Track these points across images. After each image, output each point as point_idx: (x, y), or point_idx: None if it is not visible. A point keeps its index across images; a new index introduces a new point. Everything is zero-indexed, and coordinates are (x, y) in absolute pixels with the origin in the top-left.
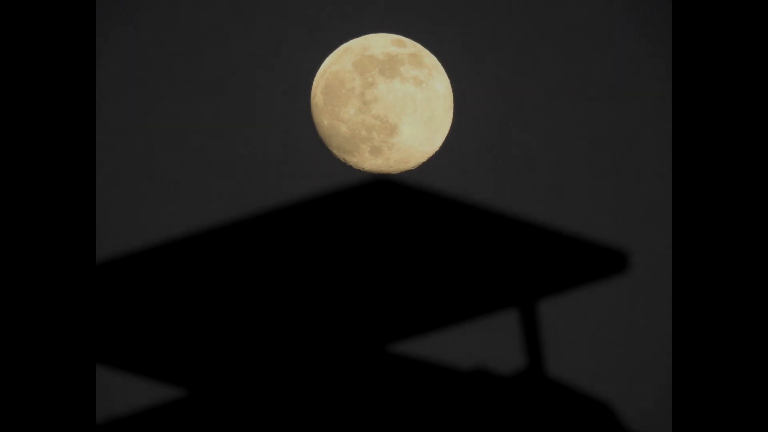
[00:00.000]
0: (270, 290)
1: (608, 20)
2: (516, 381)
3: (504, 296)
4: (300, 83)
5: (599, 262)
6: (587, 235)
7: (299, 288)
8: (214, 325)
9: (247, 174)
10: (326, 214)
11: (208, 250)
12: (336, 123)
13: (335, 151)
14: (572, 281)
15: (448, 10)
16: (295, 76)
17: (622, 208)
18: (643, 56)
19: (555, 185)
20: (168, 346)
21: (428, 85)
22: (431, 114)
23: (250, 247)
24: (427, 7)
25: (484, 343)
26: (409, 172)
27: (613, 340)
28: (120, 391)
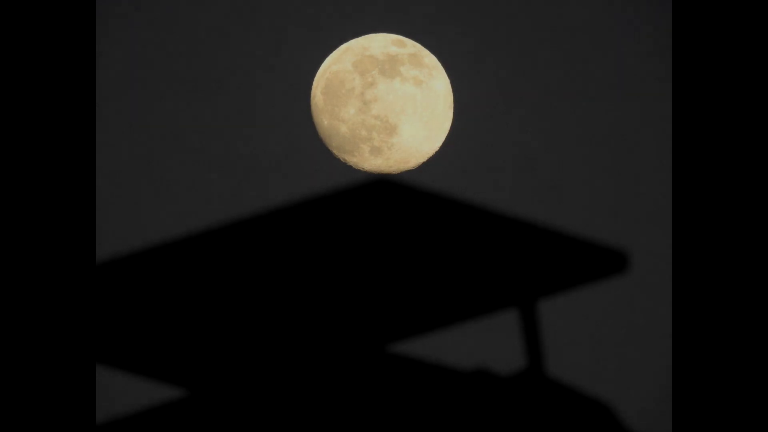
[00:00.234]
0: (270, 290)
1: (608, 20)
2: (516, 381)
3: (504, 296)
4: (300, 83)
5: (599, 262)
6: (587, 235)
7: (299, 288)
8: (214, 325)
9: (247, 174)
10: (326, 214)
11: (208, 250)
12: (336, 123)
13: (335, 151)
14: (572, 281)
15: (448, 10)
16: (295, 76)
17: (622, 208)
18: (643, 56)
19: (555, 185)
20: (168, 346)
21: (428, 85)
22: (431, 114)
23: (250, 247)
24: (427, 7)
25: (484, 343)
26: (409, 172)
27: (613, 340)
28: (120, 391)
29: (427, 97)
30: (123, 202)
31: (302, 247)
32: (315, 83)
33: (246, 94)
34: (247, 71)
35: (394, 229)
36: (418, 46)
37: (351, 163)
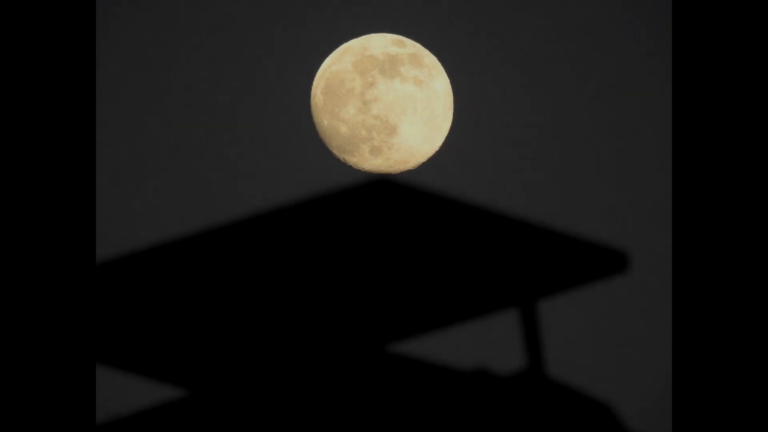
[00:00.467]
0: (270, 290)
1: (608, 20)
2: (516, 381)
3: (504, 296)
4: (300, 83)
5: (599, 262)
6: (587, 235)
7: (299, 288)
8: (214, 325)
9: (247, 174)
10: (326, 214)
11: (207, 250)
12: (336, 123)
13: (335, 151)
14: (572, 281)
15: (448, 10)
16: (295, 76)
17: (622, 208)
18: (643, 56)
19: (555, 185)
20: (168, 346)
21: (428, 85)
22: (431, 114)
23: (250, 247)
24: (427, 7)
25: (484, 343)
26: (409, 172)
27: (613, 340)
28: (120, 391)
29: (427, 97)
30: (123, 202)
31: (302, 247)
32: (315, 83)
33: (246, 94)
34: (247, 71)
35: (394, 229)
36: (418, 46)
37: (351, 163)
